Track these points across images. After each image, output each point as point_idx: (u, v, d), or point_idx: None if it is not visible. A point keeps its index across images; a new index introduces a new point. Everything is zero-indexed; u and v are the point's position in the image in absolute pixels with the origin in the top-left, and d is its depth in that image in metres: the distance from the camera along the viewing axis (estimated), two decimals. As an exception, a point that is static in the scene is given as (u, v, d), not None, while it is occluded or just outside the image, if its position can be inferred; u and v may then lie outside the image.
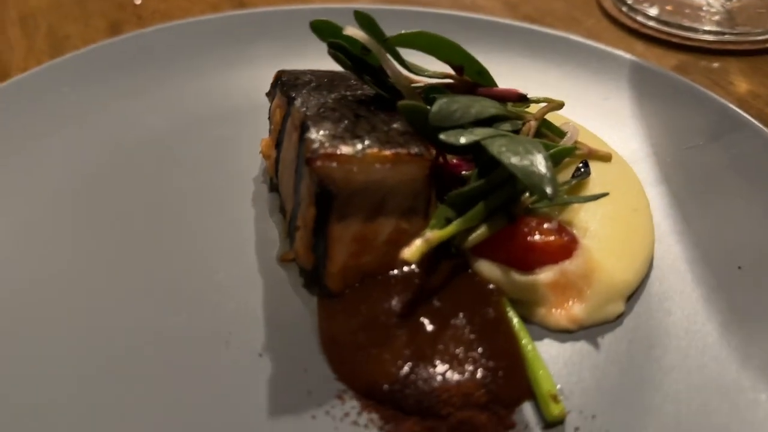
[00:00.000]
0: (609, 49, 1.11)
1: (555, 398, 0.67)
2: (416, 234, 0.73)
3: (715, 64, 1.21)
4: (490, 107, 0.80)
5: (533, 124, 0.83)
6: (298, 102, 0.83)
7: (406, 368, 0.70)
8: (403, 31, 0.78)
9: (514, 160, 0.71)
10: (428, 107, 0.76)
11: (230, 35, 1.20)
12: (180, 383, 0.70)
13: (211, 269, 0.83)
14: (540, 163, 0.70)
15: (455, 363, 0.70)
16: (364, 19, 0.78)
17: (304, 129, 0.77)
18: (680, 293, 0.79)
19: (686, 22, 1.26)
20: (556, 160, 0.83)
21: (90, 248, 0.85)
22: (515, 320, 0.74)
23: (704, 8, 1.28)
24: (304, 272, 0.81)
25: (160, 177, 0.96)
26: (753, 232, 0.84)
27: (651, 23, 1.28)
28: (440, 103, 0.76)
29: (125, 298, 0.79)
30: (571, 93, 1.04)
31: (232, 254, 0.85)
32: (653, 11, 1.29)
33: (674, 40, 1.25)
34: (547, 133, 0.87)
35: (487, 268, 0.78)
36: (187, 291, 0.80)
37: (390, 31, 0.82)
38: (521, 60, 1.12)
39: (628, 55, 1.09)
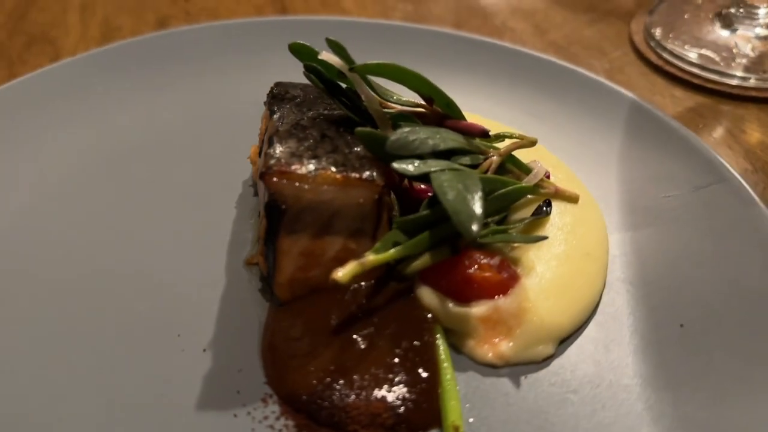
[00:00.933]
0: (611, 85, 1.09)
1: (456, 430, 0.69)
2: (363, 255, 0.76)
3: (734, 110, 1.17)
4: (451, 140, 0.82)
5: (495, 159, 0.84)
6: (276, 116, 0.88)
7: (326, 381, 0.74)
8: (369, 62, 0.81)
9: (450, 195, 0.73)
10: (387, 135, 0.79)
11: (262, 40, 1.25)
12: (123, 366, 0.76)
13: (181, 263, 0.88)
14: (473, 201, 0.72)
15: (373, 383, 0.74)
16: (335, 46, 0.82)
17: (269, 143, 0.82)
18: (616, 343, 0.79)
19: (710, 65, 1.22)
20: (511, 199, 0.84)
21: (73, 229, 0.92)
22: (442, 348, 0.76)
23: (734, 51, 1.24)
24: (263, 277, 0.86)
25: (157, 172, 1.02)
26: (703, 291, 0.82)
27: (676, 61, 1.25)
28: (399, 133, 0.79)
29: (93, 280, 0.85)
30: (561, 127, 1.05)
31: (204, 252, 0.90)
32: (679, 50, 1.26)
33: (696, 81, 1.21)
34: (513, 170, 0.88)
35: (427, 295, 0.80)
36: (155, 281, 0.86)
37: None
38: (518, 87, 1.12)
39: (629, 94, 1.07)
